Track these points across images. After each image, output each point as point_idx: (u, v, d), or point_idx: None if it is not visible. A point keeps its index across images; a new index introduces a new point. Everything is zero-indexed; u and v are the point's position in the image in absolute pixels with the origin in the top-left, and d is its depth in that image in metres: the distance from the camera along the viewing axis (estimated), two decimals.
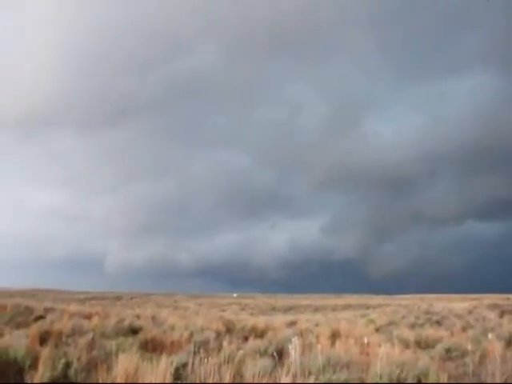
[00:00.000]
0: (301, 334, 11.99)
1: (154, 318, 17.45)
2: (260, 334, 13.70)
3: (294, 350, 7.16)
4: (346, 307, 48.10)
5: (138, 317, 17.55)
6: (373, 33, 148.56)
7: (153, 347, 10.57)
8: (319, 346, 7.54)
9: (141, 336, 11.25)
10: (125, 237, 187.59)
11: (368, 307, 42.08)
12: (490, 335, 9.86)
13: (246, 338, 12.51)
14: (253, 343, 10.29)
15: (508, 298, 40.48)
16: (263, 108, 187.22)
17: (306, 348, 9.19)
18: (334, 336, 13.32)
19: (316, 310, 46.37)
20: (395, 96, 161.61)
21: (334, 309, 46.19)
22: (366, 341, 9.22)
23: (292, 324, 18.36)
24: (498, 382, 7.25)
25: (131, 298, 64.80)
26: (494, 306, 28.50)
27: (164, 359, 6.58)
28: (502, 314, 22.26)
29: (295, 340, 7.39)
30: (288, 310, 45.49)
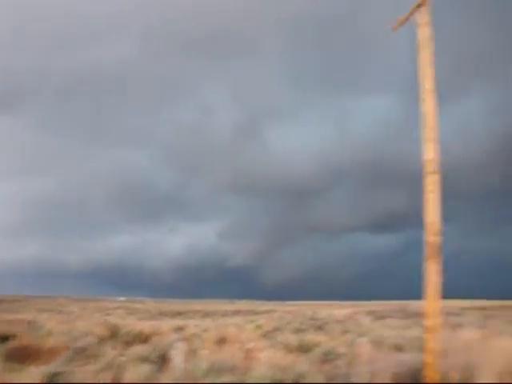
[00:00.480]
0: (187, 340, 11.92)
1: (30, 323, 16.13)
2: (145, 339, 13.34)
3: (177, 356, 7.10)
4: (237, 313, 48.76)
5: (12, 322, 16.10)
6: (289, 47, 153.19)
7: (25, 355, 9.75)
8: (204, 352, 7.57)
9: (11, 344, 10.32)
10: (5, 236, 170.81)
11: (257, 313, 43.09)
12: (361, 339, 10.68)
13: (130, 344, 12.10)
14: (136, 349, 9.98)
15: (385, 304, 44.18)
16: (174, 108, 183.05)
17: (191, 353, 9.16)
18: (221, 341, 13.46)
19: (206, 315, 46.31)
20: (305, 108, 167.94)
21: (225, 314, 46.54)
22: (250, 346, 9.45)
23: (179, 329, 18.16)
24: (364, 380, 7.89)
25: (11, 302, 59.15)
26: (371, 312, 30.94)
27: (34, 369, 6.10)
28: (376, 319, 24.26)
29: (179, 345, 7.33)
30: (178, 315, 44.82)
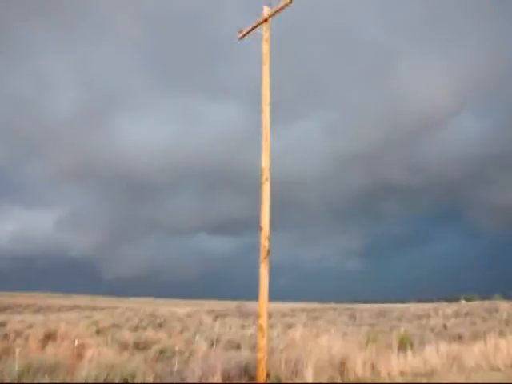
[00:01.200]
0: (6, 337, 10.59)
1: None
2: None
3: None
4: (73, 308, 45.62)
5: None
6: (148, 40, 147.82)
7: None
8: (18, 350, 6.74)
9: None
10: None
11: (96, 309, 40.82)
12: (197, 337, 10.74)
13: None
14: None
15: (224, 304, 45.57)
16: (9, 77, 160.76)
17: (6, 352, 8.13)
18: (48, 338, 12.30)
19: (38, 310, 42.37)
20: (157, 103, 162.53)
21: (60, 309, 43.18)
22: (79, 343, 8.76)
23: (1, 326, 16.14)
24: (196, 378, 7.91)
25: None
26: (212, 311, 31.57)
27: None
28: (216, 318, 24.81)
29: None
30: (3, 309, 40.14)
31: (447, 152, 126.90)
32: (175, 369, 8.44)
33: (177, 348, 9.31)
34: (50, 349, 10.10)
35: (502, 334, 17.57)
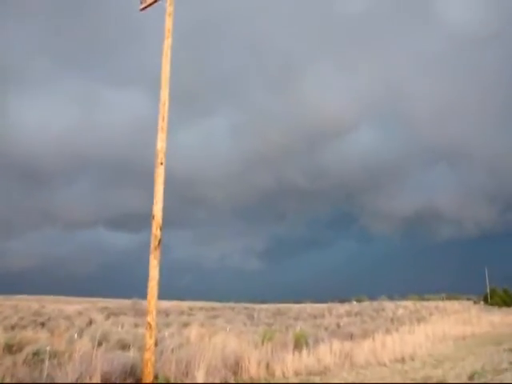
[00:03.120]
0: None
1: None
2: None
3: None
4: None
5: None
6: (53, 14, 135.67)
7: None
8: None
9: None
10: None
11: None
12: (76, 335, 9.70)
13: None
14: None
15: (118, 302, 43.41)
16: None
17: None
18: None
19: None
20: (56, 85, 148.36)
21: None
22: None
23: None
24: (72, 380, 6.97)
25: None
26: (104, 309, 29.72)
27: None
28: (108, 317, 23.29)
29: None
30: None
31: (346, 161, 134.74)
32: (45, 372, 7.40)
33: (55, 348, 8.23)
34: None
35: (388, 331, 18.60)
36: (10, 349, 11.85)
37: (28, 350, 10.42)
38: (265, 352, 10.90)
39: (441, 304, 48.99)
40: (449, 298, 70.88)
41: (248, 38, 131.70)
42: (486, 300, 62.40)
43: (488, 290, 65.03)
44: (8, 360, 9.41)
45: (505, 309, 49.07)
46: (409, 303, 50.77)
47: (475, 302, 61.81)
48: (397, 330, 19.42)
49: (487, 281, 67.03)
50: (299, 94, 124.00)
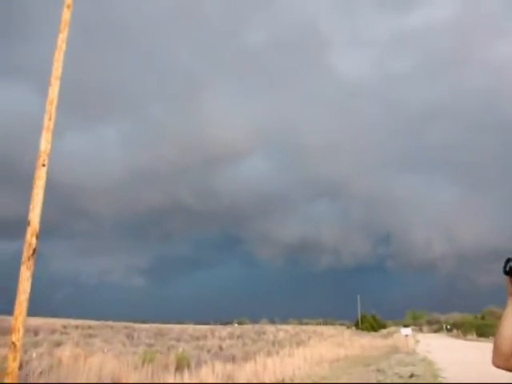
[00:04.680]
0: None
1: None
2: None
3: None
4: None
5: None
6: None
7: None
8: None
9: None
10: None
11: None
12: None
13: None
14: None
15: None
16: None
17: None
18: None
19: None
20: None
21: None
22: None
23: None
24: None
25: None
26: None
27: None
28: None
29: None
30: None
31: (239, 185, 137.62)
32: None
33: None
34: None
35: (269, 353, 18.93)
36: None
37: None
38: (145, 374, 10.36)
39: (318, 328, 51.54)
40: (325, 322, 75.09)
41: (150, 46, 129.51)
42: (357, 325, 67.09)
43: (359, 316, 70.08)
44: None
45: (373, 333, 53.27)
46: (289, 327, 52.58)
47: (348, 327, 66.05)
48: (277, 352, 19.86)
49: (359, 307, 72.37)
50: (198, 113, 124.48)
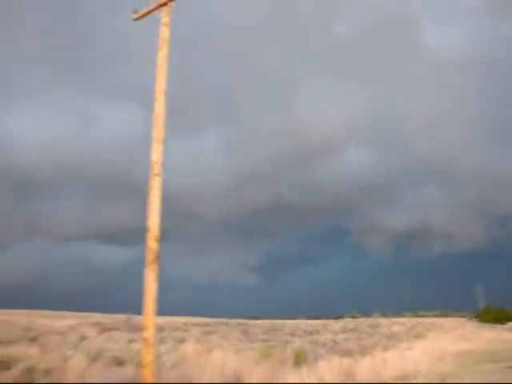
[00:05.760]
0: None
1: None
2: None
3: None
4: None
5: None
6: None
7: None
8: None
9: None
10: None
11: None
12: (69, 352, 9.40)
13: None
14: None
15: (111, 317, 42.75)
16: None
17: None
18: None
19: None
20: (48, 96, 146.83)
21: None
22: None
23: None
24: None
25: None
26: (97, 324, 29.13)
27: None
28: (101, 332, 22.80)
29: None
30: None
31: (340, 177, 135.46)
32: None
33: (47, 365, 7.93)
34: None
35: (386, 347, 18.35)
36: (0, 365, 11.46)
37: (19, 366, 10.07)
38: (265, 369, 10.63)
39: (436, 321, 48.78)
40: (443, 314, 70.68)
41: (240, 53, 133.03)
42: (479, 316, 62.26)
43: (481, 307, 64.95)
44: None
45: (499, 325, 48.94)
46: (404, 320, 50.50)
47: (469, 319, 61.63)
48: (395, 346, 19.17)
49: (480, 297, 67.04)
50: (293, 111, 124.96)
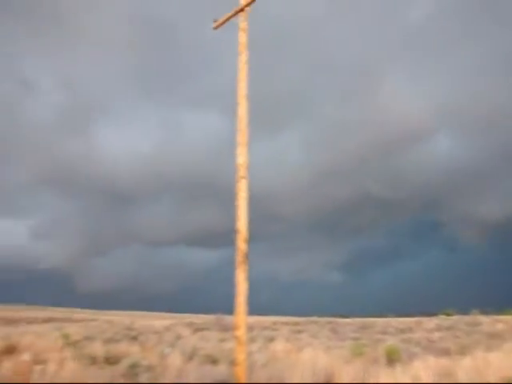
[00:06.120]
0: None
1: None
2: None
3: None
4: (48, 320, 43.82)
5: None
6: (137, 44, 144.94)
7: None
8: None
9: None
10: None
11: (71, 321, 39.25)
12: (166, 350, 9.95)
13: None
14: None
15: (203, 317, 44.47)
16: None
17: None
18: (8, 352, 11.31)
19: (7, 323, 40.59)
20: (135, 109, 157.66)
21: (32, 322, 41.41)
22: (35, 357, 7.90)
23: None
24: None
25: None
26: (190, 324, 30.51)
27: None
28: (194, 332, 23.85)
29: None
30: None
31: (425, 168, 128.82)
32: None
33: (152, 362, 8.50)
34: (8, 363, 9.17)
35: (488, 348, 17.13)
36: (108, 361, 12.49)
37: (124, 362, 10.90)
38: (357, 368, 10.46)
39: None
40: None
41: (318, 47, 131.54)
42: None
43: None
44: (107, 371, 9.88)
45: None
46: (508, 318, 46.73)
47: None
48: (499, 347, 17.83)
49: None
50: (373, 102, 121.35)
